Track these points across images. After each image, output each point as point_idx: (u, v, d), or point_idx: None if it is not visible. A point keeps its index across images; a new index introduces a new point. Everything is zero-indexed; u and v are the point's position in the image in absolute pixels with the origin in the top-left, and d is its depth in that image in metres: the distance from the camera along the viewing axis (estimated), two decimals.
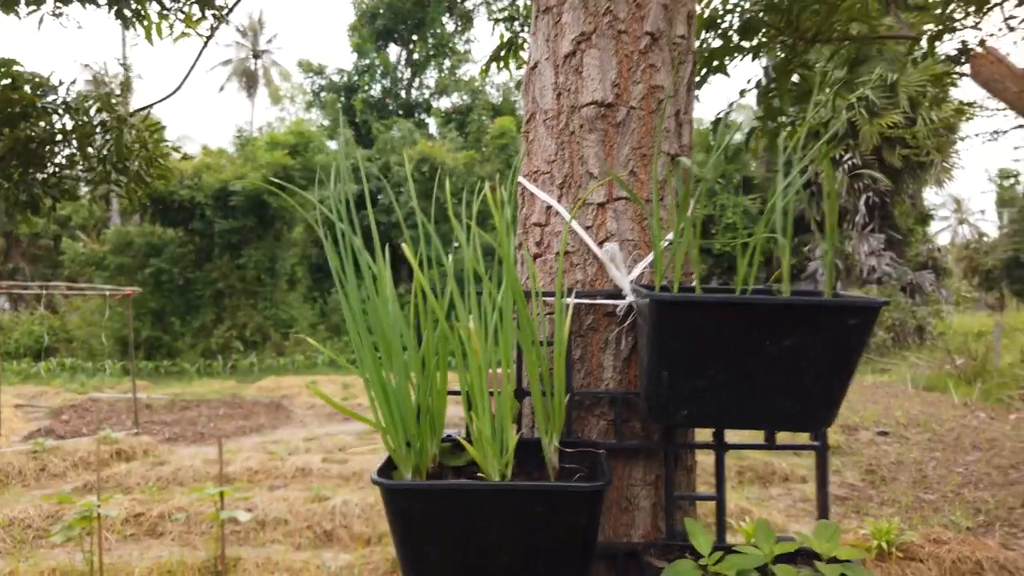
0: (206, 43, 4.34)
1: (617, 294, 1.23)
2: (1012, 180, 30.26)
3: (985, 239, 39.08)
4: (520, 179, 1.36)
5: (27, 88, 3.98)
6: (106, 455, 8.15)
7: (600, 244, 1.25)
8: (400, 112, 31.21)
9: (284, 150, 21.47)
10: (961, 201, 48.88)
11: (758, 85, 3.17)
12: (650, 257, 1.15)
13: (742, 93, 3.37)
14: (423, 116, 32.00)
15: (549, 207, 1.30)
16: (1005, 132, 11.38)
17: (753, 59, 3.18)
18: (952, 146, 20.37)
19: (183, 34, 4.27)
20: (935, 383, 14.80)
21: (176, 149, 5.06)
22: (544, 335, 1.18)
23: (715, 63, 3.08)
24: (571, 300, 1.22)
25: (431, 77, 32.30)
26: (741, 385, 1.07)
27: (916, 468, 8.25)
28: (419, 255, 1.07)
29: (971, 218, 49.42)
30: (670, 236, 1.25)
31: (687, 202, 1.16)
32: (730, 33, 3.00)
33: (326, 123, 30.51)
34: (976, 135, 24.24)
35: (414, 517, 1.01)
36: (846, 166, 20.54)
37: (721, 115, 3.46)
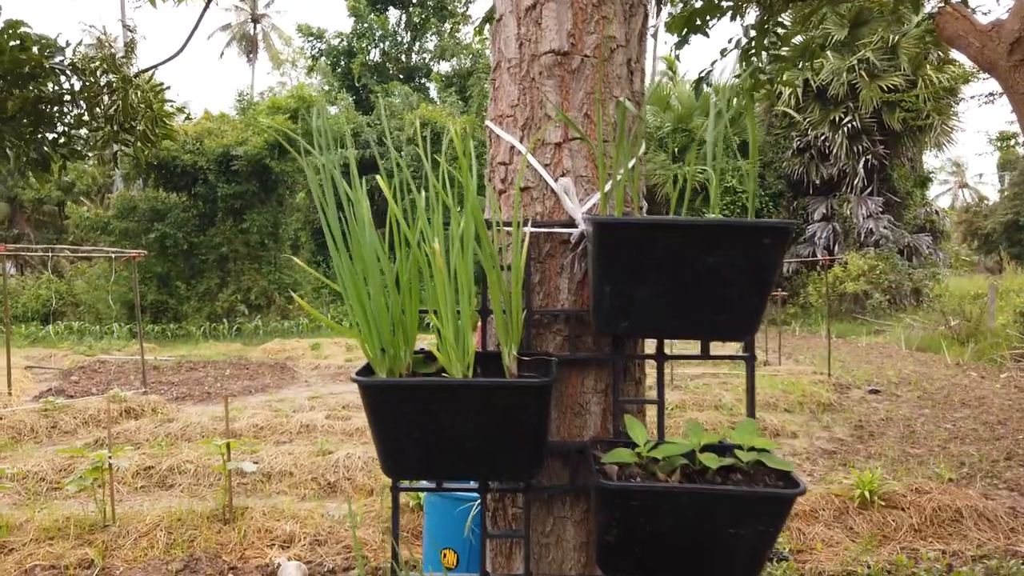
0: (207, 6, 4.43)
1: (571, 223, 1.39)
2: (1012, 142, 30.07)
3: (985, 202, 38.95)
4: (488, 123, 1.52)
5: (35, 49, 4.08)
6: (115, 413, 8.32)
7: (557, 180, 1.40)
8: (400, 76, 31.02)
9: (285, 115, 21.44)
10: (961, 165, 48.66)
11: (738, 44, 3.28)
12: (604, 189, 1.30)
13: (723, 53, 3.47)
14: (423, 80, 31.80)
15: (512, 147, 1.45)
16: (1002, 94, 11.36)
17: (732, 19, 3.28)
18: (952, 108, 20.29)
19: None
20: (929, 344, 14.96)
21: (180, 110, 5.17)
22: (506, 261, 1.34)
23: (697, 22, 3.19)
24: (528, 229, 1.37)
25: (431, 41, 32.05)
26: (673, 298, 1.23)
27: (905, 424, 8.40)
28: (395, 190, 1.21)
29: (971, 181, 49.26)
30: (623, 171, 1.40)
31: (623, 140, 1.30)
32: None
33: (327, 88, 30.35)
34: (972, 97, 24.06)
35: (387, 410, 1.18)
36: (846, 128, 20.47)
37: (703, 74, 3.56)
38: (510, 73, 1.47)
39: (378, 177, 1.19)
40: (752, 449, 1.21)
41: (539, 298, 1.44)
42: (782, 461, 1.19)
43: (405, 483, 1.30)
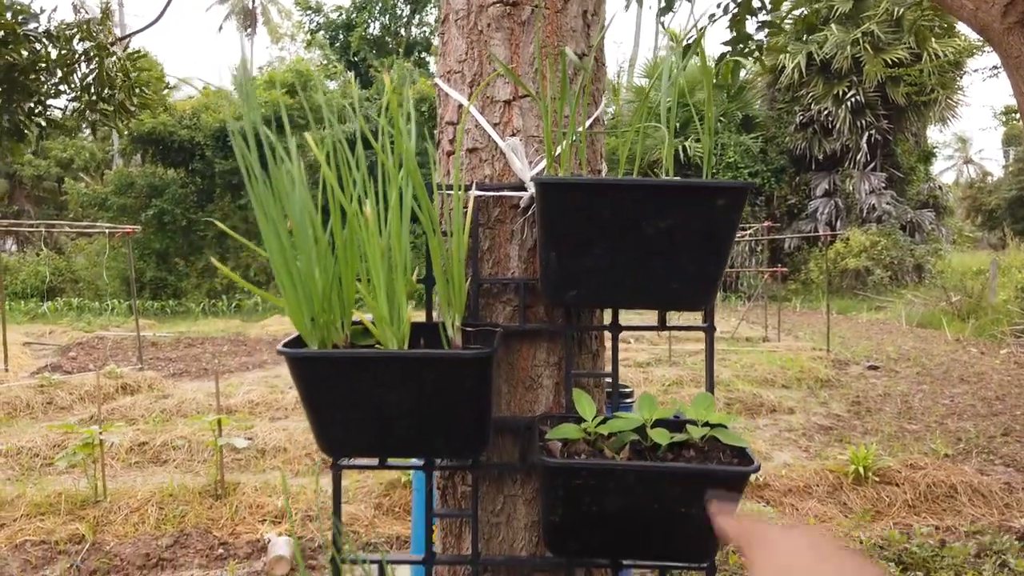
0: None
1: (520, 186, 1.31)
2: (1016, 115, 29.73)
3: (990, 178, 38.63)
4: (436, 80, 1.43)
5: (7, 16, 3.97)
6: (111, 389, 8.31)
7: (506, 140, 1.32)
8: (400, 51, 30.71)
9: (283, 89, 21.26)
10: (966, 140, 48.19)
11: (726, 10, 3.16)
12: (552, 149, 1.21)
13: (711, 18, 3.35)
14: (423, 55, 31.48)
15: (460, 105, 1.36)
16: None
17: None
18: (957, 82, 20.03)
19: None
20: (930, 320, 14.89)
21: (166, 84, 5.08)
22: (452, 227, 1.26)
23: None
24: (474, 192, 1.29)
25: (431, 14, 31.69)
26: (625, 266, 1.16)
27: (902, 400, 8.38)
28: (332, 153, 1.14)
29: (975, 157, 48.87)
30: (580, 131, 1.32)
31: (566, 94, 1.22)
32: None
33: (325, 62, 30.07)
34: (975, 71, 23.71)
35: (318, 384, 1.11)
36: (849, 103, 20.23)
37: (691, 40, 3.42)
38: (458, 25, 1.38)
39: (307, 135, 1.12)
40: (706, 424, 1.14)
41: (488, 266, 1.36)
42: (737, 437, 1.13)
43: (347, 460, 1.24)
